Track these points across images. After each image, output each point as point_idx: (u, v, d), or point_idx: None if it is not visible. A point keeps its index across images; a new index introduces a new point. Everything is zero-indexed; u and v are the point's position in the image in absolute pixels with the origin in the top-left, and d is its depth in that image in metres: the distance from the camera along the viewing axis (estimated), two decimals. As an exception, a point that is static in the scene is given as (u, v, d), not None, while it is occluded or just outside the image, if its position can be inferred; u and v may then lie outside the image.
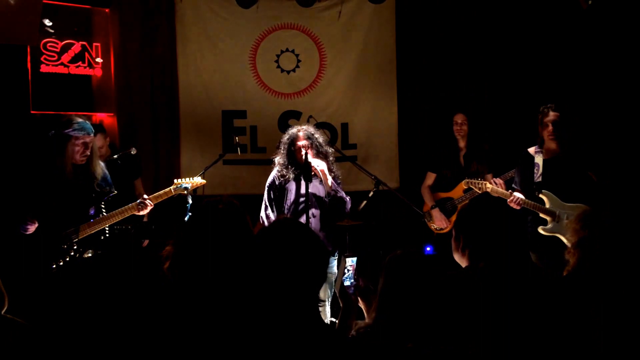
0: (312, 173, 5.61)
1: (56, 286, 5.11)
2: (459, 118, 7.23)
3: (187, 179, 5.58)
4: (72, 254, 5.27)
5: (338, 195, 5.76)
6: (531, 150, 6.25)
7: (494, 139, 7.79)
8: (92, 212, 5.38)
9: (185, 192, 5.47)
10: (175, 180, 5.59)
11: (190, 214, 5.20)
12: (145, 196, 5.46)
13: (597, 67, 7.63)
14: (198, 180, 5.62)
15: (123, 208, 5.41)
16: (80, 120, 5.31)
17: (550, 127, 6.06)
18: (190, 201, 5.44)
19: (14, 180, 5.39)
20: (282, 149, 5.85)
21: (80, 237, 5.28)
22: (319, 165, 5.61)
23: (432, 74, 8.82)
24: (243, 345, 2.74)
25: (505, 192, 6.12)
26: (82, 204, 5.34)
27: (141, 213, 5.48)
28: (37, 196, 5.17)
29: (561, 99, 6.95)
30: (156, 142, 8.18)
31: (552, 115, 6.07)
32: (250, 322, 2.61)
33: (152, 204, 5.48)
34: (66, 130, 5.19)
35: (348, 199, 5.86)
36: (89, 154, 5.30)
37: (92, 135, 5.32)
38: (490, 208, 4.85)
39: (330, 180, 5.66)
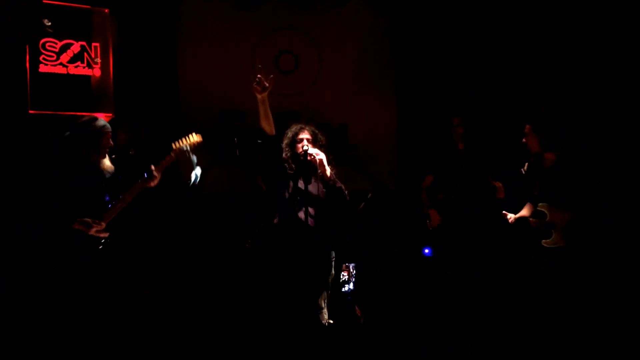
0: (311, 164, 5.59)
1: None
2: (454, 121, 7.21)
3: (184, 140, 5.63)
4: (102, 241, 5.31)
5: (337, 185, 5.71)
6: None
7: (493, 140, 7.73)
8: (107, 198, 5.44)
9: (187, 154, 5.56)
10: (173, 146, 5.61)
11: (196, 177, 5.42)
12: (152, 166, 5.49)
13: (596, 67, 7.57)
14: (194, 138, 5.66)
15: (133, 187, 5.45)
16: (101, 119, 5.44)
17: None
18: (196, 164, 5.56)
19: (17, 179, 5.46)
20: (286, 141, 5.81)
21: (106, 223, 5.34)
22: (318, 154, 5.57)
23: (431, 73, 8.82)
24: (244, 345, 2.72)
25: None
26: (97, 194, 5.41)
27: (152, 185, 5.49)
28: (51, 196, 5.21)
29: (560, 98, 7.05)
30: (155, 143, 7.87)
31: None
32: (250, 323, 2.57)
33: (159, 174, 5.52)
34: (95, 128, 5.34)
35: (346, 192, 5.78)
36: (103, 153, 5.45)
37: (107, 135, 5.44)
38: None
39: (328, 170, 5.62)
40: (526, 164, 6.14)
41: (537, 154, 5.87)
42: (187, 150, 5.56)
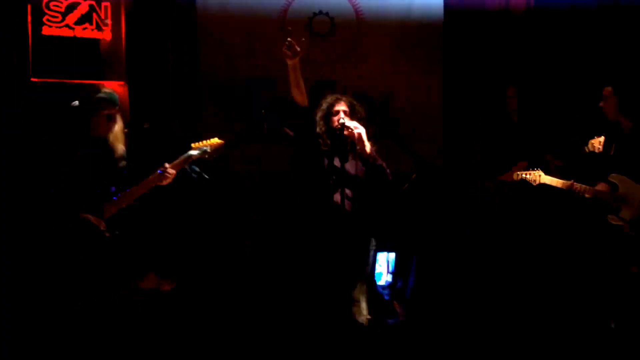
0: (348, 139, 5.37)
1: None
2: (509, 91, 7.03)
3: (206, 141, 5.57)
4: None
5: (378, 163, 5.46)
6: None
7: (552, 112, 7.36)
8: (113, 189, 5.29)
9: (207, 155, 5.51)
10: (192, 145, 5.54)
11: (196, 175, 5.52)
12: (166, 165, 5.35)
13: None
14: (216, 140, 5.60)
15: (144, 181, 5.32)
16: (106, 90, 5.32)
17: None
18: (196, 169, 5.58)
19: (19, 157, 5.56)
20: (320, 113, 5.53)
21: (105, 218, 5.18)
22: (356, 127, 5.30)
23: (482, 41, 8.21)
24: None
25: (564, 181, 5.75)
26: (103, 181, 5.27)
27: (164, 183, 5.38)
28: (55, 174, 5.12)
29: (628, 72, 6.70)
30: (174, 116, 7.73)
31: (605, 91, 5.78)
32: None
33: (174, 172, 5.39)
34: (91, 101, 5.21)
35: (388, 171, 5.55)
36: (113, 127, 5.28)
37: (117, 107, 5.29)
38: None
39: (368, 146, 5.36)
40: (589, 141, 5.96)
41: (613, 121, 5.72)
42: (207, 152, 5.51)
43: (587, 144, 5.97)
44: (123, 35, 7.48)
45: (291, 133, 6.15)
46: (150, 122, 6.83)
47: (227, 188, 7.21)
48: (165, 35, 7.71)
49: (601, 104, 5.70)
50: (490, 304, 6.28)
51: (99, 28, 7.34)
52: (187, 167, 5.45)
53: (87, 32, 7.27)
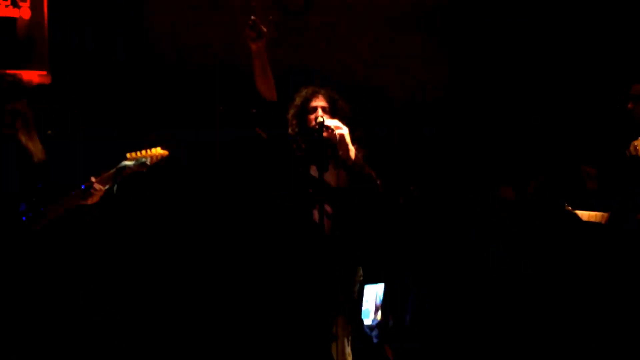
0: (328, 143, 4.77)
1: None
2: None
3: (145, 151, 4.98)
4: None
5: (365, 171, 4.83)
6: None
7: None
8: (23, 207, 4.76)
9: (145, 168, 4.94)
10: (128, 155, 4.93)
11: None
12: (92, 179, 4.75)
13: None
14: (158, 150, 5.00)
15: (64, 199, 4.77)
16: (10, 78, 4.86)
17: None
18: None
19: None
20: (293, 110, 4.94)
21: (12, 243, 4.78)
22: (338, 127, 4.69)
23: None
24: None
25: (600, 213, 5.44)
26: (9, 196, 4.81)
27: (90, 202, 4.83)
28: None
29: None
30: (108, 112, 6.93)
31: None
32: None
33: (102, 188, 4.81)
34: None
35: (379, 181, 4.95)
36: (19, 126, 4.74)
37: (24, 99, 4.78)
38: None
39: (353, 151, 4.74)
40: (632, 143, 5.51)
41: None
42: (145, 164, 4.91)
43: (629, 147, 5.53)
44: (45, 14, 6.86)
45: (264, 135, 5.35)
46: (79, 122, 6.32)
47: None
48: (101, 12, 7.03)
49: (630, 105, 5.47)
50: (501, 344, 5.70)
51: (15, 4, 6.71)
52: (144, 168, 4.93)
53: (0, 9, 6.70)
